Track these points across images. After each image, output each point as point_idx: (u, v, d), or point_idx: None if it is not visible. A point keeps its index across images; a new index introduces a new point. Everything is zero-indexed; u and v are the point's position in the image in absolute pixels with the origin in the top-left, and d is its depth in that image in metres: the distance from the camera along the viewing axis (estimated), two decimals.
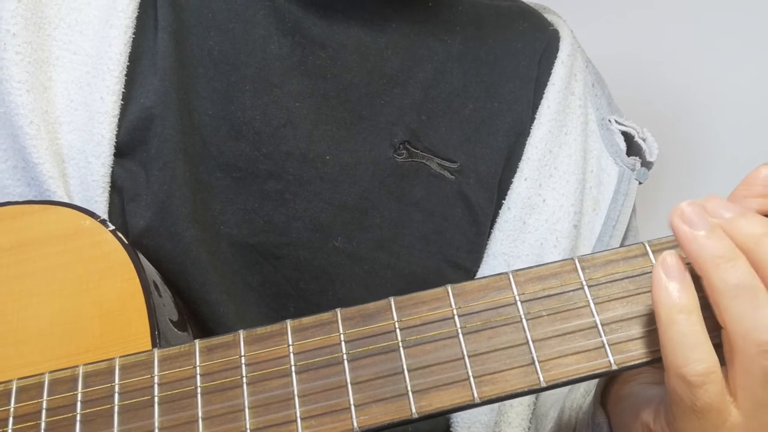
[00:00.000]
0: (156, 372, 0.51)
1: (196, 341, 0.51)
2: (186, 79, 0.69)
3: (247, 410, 0.49)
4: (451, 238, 0.74)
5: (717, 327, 0.48)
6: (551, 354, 0.49)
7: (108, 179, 0.65)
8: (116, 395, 0.51)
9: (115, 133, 0.66)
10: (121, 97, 0.67)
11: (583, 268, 0.51)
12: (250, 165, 0.69)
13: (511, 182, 0.76)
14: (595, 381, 0.63)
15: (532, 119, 0.78)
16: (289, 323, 0.51)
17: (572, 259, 0.52)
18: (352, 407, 0.48)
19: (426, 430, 0.72)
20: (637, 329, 0.49)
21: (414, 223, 0.73)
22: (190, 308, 0.65)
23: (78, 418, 0.50)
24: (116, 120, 0.66)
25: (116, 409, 0.50)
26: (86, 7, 0.69)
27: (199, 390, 0.50)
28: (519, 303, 0.50)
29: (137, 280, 0.57)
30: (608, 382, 0.59)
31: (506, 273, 0.51)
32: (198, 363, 0.51)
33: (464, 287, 0.51)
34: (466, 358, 0.49)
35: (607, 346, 0.49)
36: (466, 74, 0.78)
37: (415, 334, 0.50)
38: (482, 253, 0.75)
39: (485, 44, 0.80)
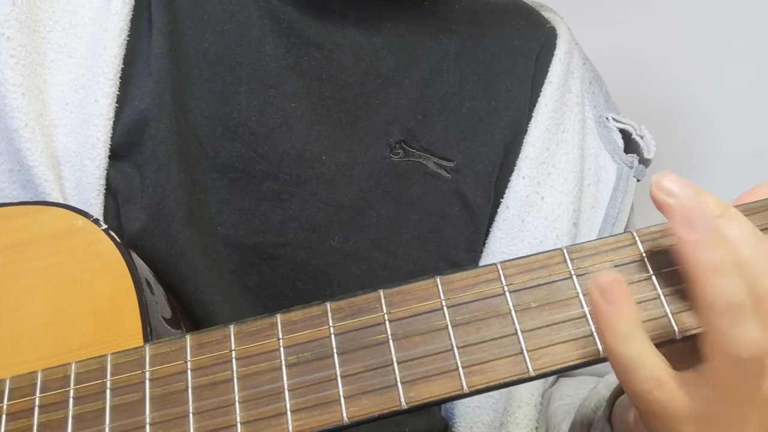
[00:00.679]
0: (147, 368, 0.51)
1: (187, 336, 0.52)
2: (181, 81, 0.69)
3: (237, 404, 0.49)
4: (448, 237, 0.74)
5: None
6: (540, 343, 0.49)
7: (103, 182, 0.66)
8: (108, 391, 0.51)
9: (110, 135, 0.66)
10: (115, 99, 0.67)
11: (571, 258, 0.51)
12: (246, 165, 0.69)
13: (509, 180, 0.76)
14: (606, 396, 0.63)
15: (530, 117, 0.78)
16: (279, 317, 0.51)
17: (560, 249, 0.51)
18: (342, 399, 0.48)
19: (423, 430, 0.72)
20: None
21: (411, 222, 0.73)
22: (185, 309, 0.66)
23: (70, 415, 0.51)
24: (111, 122, 0.67)
25: (108, 405, 0.50)
26: (81, 10, 0.69)
27: (190, 385, 0.50)
28: (507, 294, 0.50)
29: (130, 277, 0.57)
30: (616, 397, 0.59)
31: (495, 264, 0.51)
32: (189, 358, 0.51)
33: (453, 278, 0.51)
34: (455, 349, 0.49)
35: (596, 334, 0.49)
36: (463, 73, 0.78)
37: (405, 326, 0.50)
38: (480, 251, 0.75)
39: (482, 42, 0.80)
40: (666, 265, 0.50)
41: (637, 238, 0.51)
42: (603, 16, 1.18)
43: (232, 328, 0.52)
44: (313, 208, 0.69)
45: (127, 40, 0.69)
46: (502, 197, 0.76)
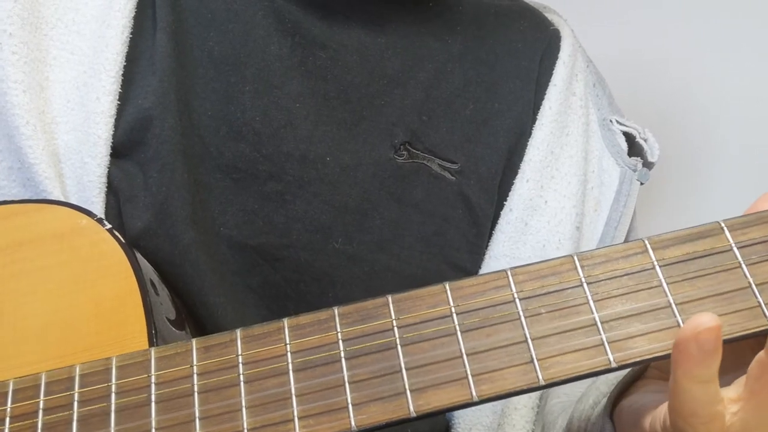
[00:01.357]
0: (153, 371, 0.51)
1: (193, 340, 0.51)
2: (185, 80, 0.69)
3: (244, 410, 0.49)
4: (451, 240, 0.73)
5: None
6: (550, 352, 0.48)
7: (104, 180, 0.65)
8: (113, 395, 0.50)
9: (112, 133, 0.66)
10: (117, 97, 0.67)
11: (582, 266, 0.51)
12: (249, 166, 0.69)
13: (512, 183, 0.76)
14: (604, 392, 0.63)
15: (534, 120, 0.78)
16: (286, 322, 0.51)
17: (571, 256, 0.51)
18: (350, 406, 0.48)
19: (425, 431, 0.72)
20: (636, 327, 0.49)
21: (414, 224, 0.72)
22: (188, 309, 0.65)
23: (75, 417, 0.50)
24: (113, 120, 0.66)
25: (113, 408, 0.50)
26: (84, 7, 0.69)
27: (196, 389, 0.50)
28: (517, 300, 0.50)
29: (134, 278, 0.57)
30: (618, 394, 0.59)
31: (504, 270, 0.51)
32: (195, 362, 0.50)
33: (462, 285, 0.51)
34: (465, 356, 0.49)
35: (606, 343, 0.48)
36: (467, 74, 0.78)
37: (413, 332, 0.50)
38: (482, 254, 0.75)
39: (486, 44, 0.80)
40: (677, 274, 0.50)
41: (648, 246, 0.51)
42: (606, 18, 1.18)
43: (238, 332, 0.51)
44: (316, 209, 0.69)
45: (130, 38, 0.68)
46: (506, 200, 0.76)
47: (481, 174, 0.75)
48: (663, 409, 0.49)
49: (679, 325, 0.48)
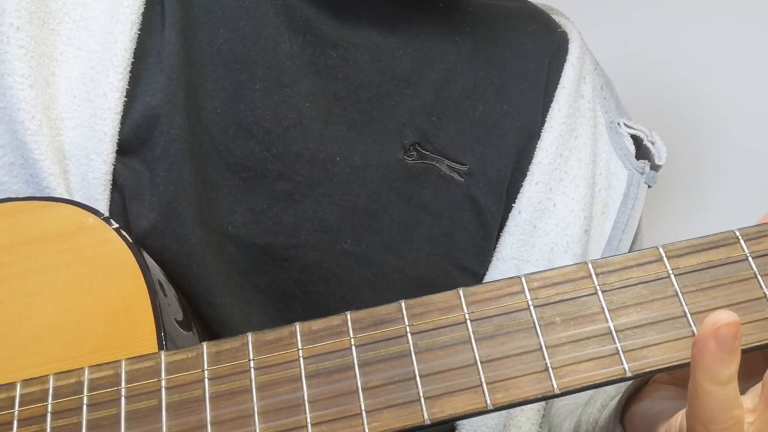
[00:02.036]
0: (163, 376, 0.50)
1: (204, 344, 0.51)
2: (194, 78, 0.68)
3: (256, 415, 0.48)
4: (459, 241, 0.73)
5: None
6: (565, 360, 0.48)
7: (110, 177, 0.64)
8: (123, 399, 0.50)
9: (118, 130, 0.65)
10: (125, 94, 0.66)
11: (596, 273, 0.50)
12: (259, 165, 0.68)
13: (521, 186, 0.76)
14: (612, 395, 0.62)
15: (542, 122, 0.78)
16: (298, 326, 0.50)
17: (586, 263, 0.51)
18: (364, 413, 0.48)
19: None
20: (651, 336, 0.48)
21: (422, 225, 0.72)
22: (194, 309, 0.65)
23: (84, 422, 0.49)
24: (119, 117, 0.65)
25: (123, 413, 0.49)
26: (92, 2, 0.68)
27: (207, 394, 0.49)
28: (532, 308, 0.50)
29: (142, 279, 0.56)
30: (628, 399, 0.59)
31: (519, 277, 0.50)
32: (206, 367, 0.50)
33: (476, 291, 0.50)
34: (479, 363, 0.48)
35: (621, 352, 0.48)
36: (477, 75, 0.77)
37: (427, 338, 0.49)
38: (490, 256, 0.75)
39: (495, 45, 0.79)
40: (692, 283, 0.49)
41: (663, 254, 0.51)
42: (613, 20, 1.17)
43: (250, 336, 0.51)
44: (325, 209, 0.69)
45: (139, 34, 0.68)
46: (514, 202, 0.75)
47: (489, 176, 0.75)
48: (679, 418, 0.49)
49: (693, 335, 0.48)
